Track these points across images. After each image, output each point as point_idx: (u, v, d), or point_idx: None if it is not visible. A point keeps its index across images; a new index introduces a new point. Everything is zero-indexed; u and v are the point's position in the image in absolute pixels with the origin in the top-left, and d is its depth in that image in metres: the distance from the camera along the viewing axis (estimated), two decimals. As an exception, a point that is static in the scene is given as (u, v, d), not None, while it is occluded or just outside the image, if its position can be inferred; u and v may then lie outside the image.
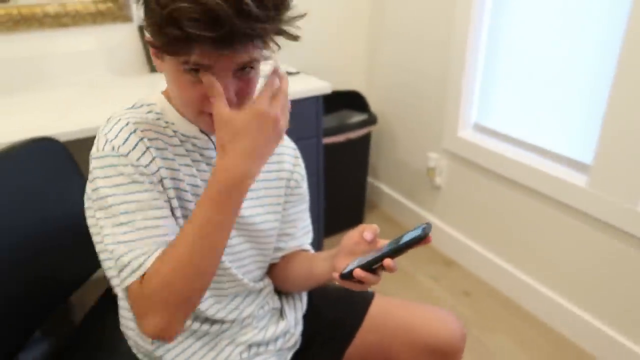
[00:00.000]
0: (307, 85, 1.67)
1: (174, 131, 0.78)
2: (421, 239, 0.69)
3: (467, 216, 2.07)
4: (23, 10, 1.60)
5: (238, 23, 0.61)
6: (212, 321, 0.88)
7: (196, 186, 0.79)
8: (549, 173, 1.66)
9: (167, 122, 0.78)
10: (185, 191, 0.78)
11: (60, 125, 1.30)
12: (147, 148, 0.73)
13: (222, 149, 0.67)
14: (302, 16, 0.67)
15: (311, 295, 1.05)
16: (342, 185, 2.24)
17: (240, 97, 0.71)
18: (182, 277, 0.67)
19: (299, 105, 1.63)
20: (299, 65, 2.02)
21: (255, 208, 0.87)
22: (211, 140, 0.80)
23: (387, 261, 0.71)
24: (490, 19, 1.80)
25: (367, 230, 0.74)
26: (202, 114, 0.72)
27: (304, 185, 0.97)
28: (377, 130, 2.43)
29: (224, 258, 0.84)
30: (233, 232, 0.85)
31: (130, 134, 0.73)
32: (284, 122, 0.70)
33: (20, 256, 0.92)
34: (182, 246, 0.67)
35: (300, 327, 1.01)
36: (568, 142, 1.64)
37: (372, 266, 0.70)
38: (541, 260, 1.78)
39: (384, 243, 0.74)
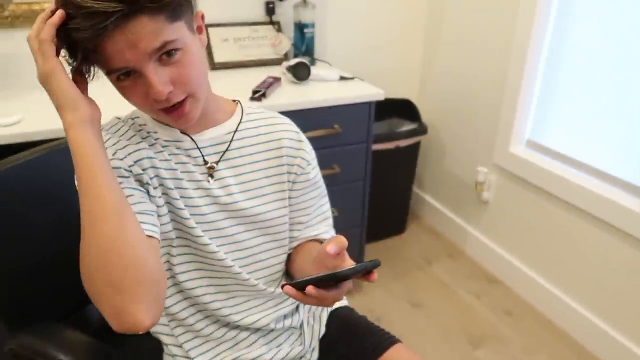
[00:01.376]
0: (360, 90, 1.68)
1: (156, 139, 0.80)
2: (367, 273, 0.66)
3: (513, 234, 2.02)
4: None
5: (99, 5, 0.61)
6: (227, 324, 0.89)
7: (183, 188, 0.80)
8: (602, 195, 1.60)
9: (149, 132, 0.81)
10: (171, 188, 0.80)
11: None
12: (131, 152, 0.78)
13: None
14: None
15: (330, 320, 1.00)
16: (387, 193, 2.24)
17: (182, 83, 0.70)
18: (92, 258, 0.65)
19: (351, 110, 1.65)
20: (353, 71, 2.04)
21: (256, 199, 0.86)
22: (194, 141, 0.82)
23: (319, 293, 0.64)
24: (553, 31, 1.76)
25: (331, 244, 0.66)
26: (157, 112, 0.73)
27: (312, 170, 0.91)
28: (426, 140, 2.42)
29: (225, 255, 0.84)
30: (241, 227, 0.85)
31: (117, 141, 0.78)
32: (39, 66, 0.68)
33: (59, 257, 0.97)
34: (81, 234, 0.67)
35: (316, 355, 0.97)
36: (624, 164, 1.59)
37: (317, 283, 0.63)
38: (589, 284, 1.72)
39: (348, 263, 0.68)
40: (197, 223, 0.81)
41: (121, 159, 0.76)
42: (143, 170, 0.77)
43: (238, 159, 0.85)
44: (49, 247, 0.95)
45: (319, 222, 0.94)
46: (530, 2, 1.74)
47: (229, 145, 0.84)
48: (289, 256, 0.94)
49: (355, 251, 1.90)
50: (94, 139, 0.67)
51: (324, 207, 0.95)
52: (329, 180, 1.66)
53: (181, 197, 0.80)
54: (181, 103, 0.72)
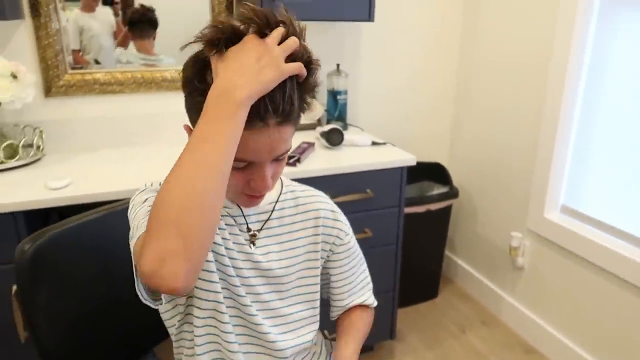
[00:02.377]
0: (392, 156, 1.72)
1: None
2: None
3: (550, 301, 1.96)
4: (145, 75, 1.81)
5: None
6: None
7: (229, 249, 0.83)
8: (639, 262, 1.56)
9: None
10: (223, 255, 0.82)
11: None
12: None
13: (217, 75, 0.68)
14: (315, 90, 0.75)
15: None
16: (418, 257, 2.22)
17: (273, 179, 0.78)
18: (179, 194, 0.62)
19: (383, 175, 1.68)
20: (385, 136, 2.09)
21: (291, 267, 0.90)
22: (240, 209, 0.86)
23: None
24: (584, 96, 1.78)
25: None
26: (241, 195, 0.79)
27: (350, 240, 0.98)
28: (458, 204, 2.41)
29: (263, 321, 0.86)
30: (275, 295, 0.88)
31: None
32: (280, 51, 0.68)
33: (111, 307, 1.00)
34: (176, 166, 0.65)
35: None
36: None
37: None
38: (629, 355, 1.64)
39: None
40: (241, 285, 0.84)
41: None
42: None
43: (277, 228, 0.89)
44: (99, 303, 0.99)
45: (362, 288, 1.01)
46: (560, 69, 1.78)
47: (270, 215, 0.88)
48: (337, 322, 0.99)
49: (387, 317, 1.87)
50: (246, 108, 0.67)
51: (364, 274, 1.02)
52: (361, 245, 1.67)
53: (229, 258, 0.83)
54: (263, 194, 0.80)
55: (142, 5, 1.77)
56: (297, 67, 0.70)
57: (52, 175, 1.40)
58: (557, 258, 1.90)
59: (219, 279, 0.83)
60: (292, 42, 0.70)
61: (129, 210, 0.81)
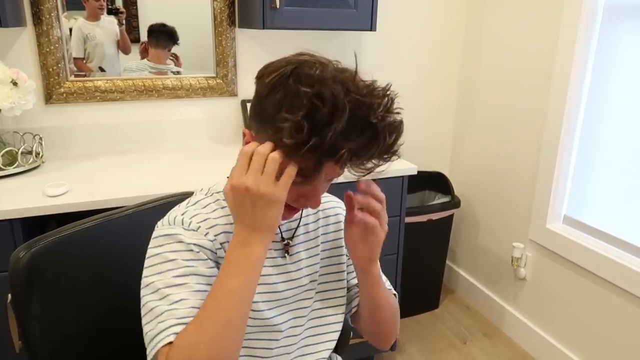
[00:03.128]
0: (393, 165, 1.68)
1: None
2: None
3: (554, 313, 1.94)
4: (146, 82, 1.81)
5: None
6: None
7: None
8: (648, 276, 1.54)
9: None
10: None
11: (164, 186, 1.42)
12: (214, 237, 0.78)
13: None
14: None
15: None
16: (419, 267, 2.20)
17: (323, 190, 0.79)
18: (204, 338, 0.66)
19: (384, 184, 1.66)
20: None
21: (318, 274, 0.90)
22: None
23: None
24: (587, 106, 1.78)
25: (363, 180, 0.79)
26: (286, 206, 0.77)
27: None
28: (460, 214, 2.40)
29: (289, 331, 0.86)
30: (306, 302, 0.88)
31: (201, 222, 0.78)
32: (262, 186, 0.68)
33: (108, 317, 0.99)
34: (200, 313, 0.69)
35: None
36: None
37: None
38: (639, 373, 1.61)
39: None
40: (268, 300, 0.84)
41: (211, 241, 0.77)
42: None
43: (303, 235, 0.89)
44: (95, 313, 0.97)
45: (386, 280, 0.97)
46: (563, 80, 1.77)
47: (299, 222, 0.89)
48: (360, 316, 0.96)
49: (387, 327, 1.85)
50: (264, 256, 0.72)
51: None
52: (361, 254, 1.66)
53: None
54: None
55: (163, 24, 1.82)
56: (289, 176, 0.70)
57: (50, 183, 1.40)
58: (559, 269, 1.88)
59: None
60: (257, 162, 0.69)
61: (148, 249, 0.78)
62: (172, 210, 0.83)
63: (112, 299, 1.00)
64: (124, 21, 1.77)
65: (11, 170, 1.48)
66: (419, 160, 2.35)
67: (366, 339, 0.98)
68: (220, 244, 0.78)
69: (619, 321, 1.66)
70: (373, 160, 0.74)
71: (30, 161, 1.55)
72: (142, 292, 0.75)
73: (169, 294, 0.71)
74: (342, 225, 0.92)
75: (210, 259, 0.76)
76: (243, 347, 0.83)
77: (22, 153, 1.52)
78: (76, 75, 1.75)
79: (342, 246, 0.93)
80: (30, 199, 1.32)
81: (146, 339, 0.72)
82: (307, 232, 0.90)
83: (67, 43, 1.70)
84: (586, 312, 1.79)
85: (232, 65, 1.90)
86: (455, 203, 2.19)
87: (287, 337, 0.87)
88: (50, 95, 1.71)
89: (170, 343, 0.67)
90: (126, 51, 1.81)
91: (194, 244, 0.75)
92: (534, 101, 1.94)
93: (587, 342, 1.80)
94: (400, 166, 1.70)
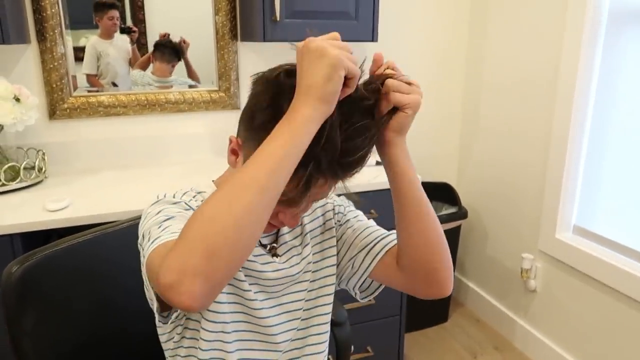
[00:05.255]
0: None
1: None
2: None
3: (565, 325, 1.89)
4: (149, 97, 1.82)
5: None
6: None
7: (249, 261, 0.80)
8: (662, 287, 1.49)
9: None
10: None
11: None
12: None
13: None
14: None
15: None
16: (427, 279, 2.17)
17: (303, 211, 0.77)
18: (214, 211, 0.58)
19: (385, 196, 1.64)
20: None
21: (311, 264, 0.87)
22: None
23: None
24: (594, 114, 1.74)
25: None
26: None
27: (351, 208, 0.91)
28: (468, 225, 2.36)
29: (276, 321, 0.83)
30: (298, 295, 0.85)
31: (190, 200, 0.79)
32: (336, 52, 0.62)
33: (104, 334, 0.98)
34: (223, 186, 0.61)
35: None
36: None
37: None
38: (656, 387, 1.56)
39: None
40: (259, 291, 0.81)
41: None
42: None
43: (289, 234, 0.87)
44: (89, 329, 0.96)
45: (388, 235, 0.87)
46: (569, 88, 1.74)
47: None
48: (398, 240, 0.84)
49: (395, 342, 1.81)
50: (312, 135, 0.63)
51: (380, 229, 0.90)
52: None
53: (244, 268, 0.79)
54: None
55: (168, 37, 1.84)
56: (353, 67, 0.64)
57: (52, 197, 1.40)
58: (570, 280, 1.84)
59: (228, 292, 0.79)
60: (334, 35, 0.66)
61: (140, 221, 0.77)
62: None
63: (106, 314, 0.98)
64: (135, 39, 1.80)
65: (14, 185, 1.49)
66: (425, 170, 2.33)
67: (410, 281, 0.81)
68: None
69: (632, 332, 1.61)
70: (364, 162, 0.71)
71: (32, 176, 1.56)
72: (139, 245, 0.75)
73: (165, 227, 0.69)
74: (329, 215, 0.89)
75: None
76: (236, 341, 0.81)
77: (24, 168, 1.53)
78: (89, 91, 1.77)
79: (333, 236, 0.88)
80: (30, 213, 1.32)
81: (142, 260, 0.71)
82: (292, 230, 0.87)
83: (70, 60, 1.72)
84: (599, 323, 1.73)
85: (235, 79, 1.90)
86: (462, 214, 2.15)
87: (280, 333, 0.84)
88: (54, 110, 1.72)
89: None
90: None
91: (184, 202, 0.76)
92: (540, 110, 1.91)
93: (600, 355, 1.74)
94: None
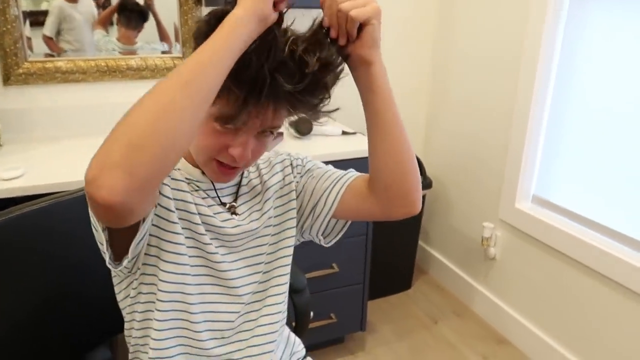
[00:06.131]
0: (362, 145, 1.69)
1: (181, 174, 0.80)
2: None
3: (522, 291, 1.96)
4: (110, 63, 1.76)
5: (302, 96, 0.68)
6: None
7: (209, 216, 0.80)
8: (611, 253, 1.56)
9: (175, 167, 0.80)
10: (198, 224, 0.79)
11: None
12: (179, 189, 0.77)
13: None
14: (334, 110, 0.74)
15: None
16: (391, 249, 2.21)
17: (253, 156, 0.75)
18: (139, 107, 0.58)
19: (352, 165, 1.64)
20: (357, 126, 2.06)
21: (270, 219, 0.88)
22: (212, 183, 0.82)
23: None
24: (555, 89, 1.78)
25: None
26: (212, 161, 0.75)
27: (307, 162, 0.92)
28: (433, 195, 2.40)
29: (239, 274, 0.84)
30: (260, 249, 0.86)
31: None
32: None
33: (57, 299, 0.97)
34: (157, 86, 0.60)
35: None
36: (633, 222, 1.55)
37: None
38: (600, 346, 1.65)
39: None
40: (220, 246, 0.82)
41: (174, 199, 0.77)
42: (182, 210, 0.78)
43: (248, 194, 0.87)
44: (44, 296, 0.95)
45: (345, 173, 0.90)
46: (532, 63, 1.77)
47: (239, 183, 0.87)
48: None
49: (358, 309, 1.86)
50: (246, 39, 0.63)
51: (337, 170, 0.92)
52: (329, 236, 1.66)
53: (204, 224, 0.80)
54: (236, 167, 0.77)
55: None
56: None
57: (6, 166, 1.36)
58: (528, 248, 1.90)
59: (185, 237, 0.79)
60: None
61: None
62: None
63: (61, 282, 0.98)
64: (101, 3, 1.73)
65: (-34, 153, 1.44)
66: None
67: (383, 204, 0.83)
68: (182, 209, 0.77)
69: (586, 299, 1.69)
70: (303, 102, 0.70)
71: (-14, 144, 1.51)
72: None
73: None
74: (288, 170, 0.90)
75: None
76: (199, 294, 0.81)
77: (-23, 136, 1.48)
78: (46, 55, 1.70)
79: (292, 190, 0.89)
80: (-17, 182, 1.28)
81: None
82: (253, 188, 0.88)
83: (26, 22, 1.65)
84: (554, 290, 1.81)
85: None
86: (426, 184, 2.19)
87: (242, 286, 0.85)
88: (8, 76, 1.65)
89: None
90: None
91: None
92: (504, 83, 1.93)
93: (557, 321, 1.83)
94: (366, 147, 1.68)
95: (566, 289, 1.76)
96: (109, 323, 1.01)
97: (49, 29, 1.69)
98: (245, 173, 0.88)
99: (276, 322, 0.89)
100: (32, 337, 0.95)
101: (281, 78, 0.65)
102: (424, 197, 2.23)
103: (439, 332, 2.08)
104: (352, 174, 0.89)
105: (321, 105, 0.72)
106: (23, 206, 0.94)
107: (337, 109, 0.74)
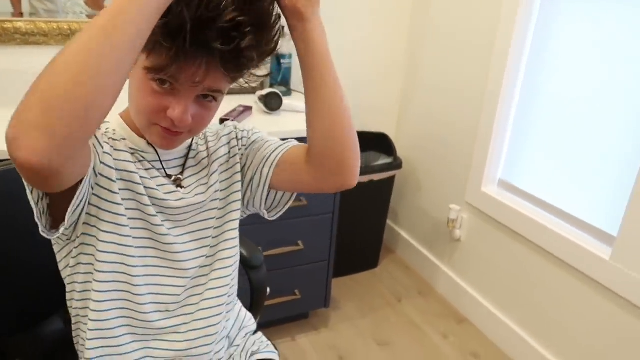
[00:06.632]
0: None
1: (125, 145, 0.78)
2: None
3: (484, 273, 2.00)
4: (73, 26, 1.69)
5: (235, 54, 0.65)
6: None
7: (152, 188, 0.79)
8: (572, 240, 1.59)
9: (120, 138, 0.78)
10: (142, 194, 0.77)
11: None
12: (108, 153, 0.75)
13: None
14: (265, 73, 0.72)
15: None
16: (359, 226, 2.22)
17: (195, 123, 0.72)
18: (56, 61, 0.54)
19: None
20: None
21: (218, 193, 0.87)
22: (157, 154, 0.81)
23: None
24: (526, 75, 1.79)
25: None
26: (153, 126, 0.73)
27: (253, 134, 0.90)
28: (402, 175, 2.41)
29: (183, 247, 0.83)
30: (207, 223, 0.85)
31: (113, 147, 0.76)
32: None
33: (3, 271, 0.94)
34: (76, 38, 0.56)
35: None
36: (595, 210, 1.58)
37: None
38: (556, 329, 1.70)
39: None
40: (166, 220, 0.80)
41: (115, 169, 0.74)
42: (123, 180, 0.76)
43: (194, 167, 0.86)
44: None
45: (286, 141, 0.89)
46: (503, 50, 1.77)
47: (187, 154, 0.85)
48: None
49: (322, 286, 1.87)
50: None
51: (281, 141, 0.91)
52: (295, 213, 1.66)
53: (150, 197, 0.78)
54: (178, 132, 0.73)
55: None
56: None
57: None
58: (492, 231, 1.93)
59: (127, 209, 0.77)
60: None
61: None
62: None
63: (7, 247, 0.95)
64: None
65: None
66: (365, 121, 2.34)
67: (317, 173, 0.81)
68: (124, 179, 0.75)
69: (547, 284, 1.73)
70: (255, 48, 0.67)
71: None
72: None
73: None
74: (234, 142, 0.88)
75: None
76: (142, 267, 0.80)
77: None
78: (13, 15, 1.62)
79: (237, 163, 0.88)
80: None
81: None
82: (200, 161, 0.86)
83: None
84: (516, 274, 1.85)
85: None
86: (396, 165, 2.19)
87: (188, 260, 0.84)
88: (-37, 35, 1.57)
89: None
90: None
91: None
92: (476, 67, 1.93)
93: (515, 304, 1.87)
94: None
95: (527, 273, 1.80)
96: (62, 293, 0.98)
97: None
98: (194, 145, 0.86)
99: (222, 296, 0.88)
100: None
101: (208, 33, 0.63)
102: (393, 177, 2.24)
103: (402, 310, 2.12)
104: (291, 143, 0.87)
105: (253, 64, 0.70)
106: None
107: (269, 74, 0.73)
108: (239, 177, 0.88)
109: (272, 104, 1.69)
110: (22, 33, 1.64)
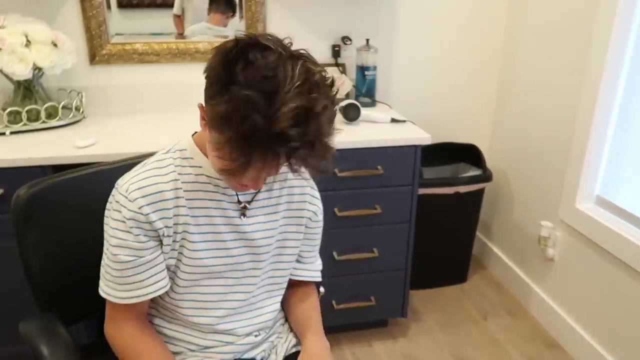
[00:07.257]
0: (407, 133, 1.69)
1: (198, 174, 0.88)
2: None
3: (579, 298, 1.85)
4: (180, 46, 1.92)
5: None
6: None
7: (214, 224, 0.90)
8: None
9: (193, 166, 0.88)
10: (193, 233, 0.89)
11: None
12: (149, 211, 0.84)
13: None
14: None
15: None
16: (444, 239, 2.18)
17: (269, 176, 0.83)
18: None
19: (396, 153, 1.67)
20: (419, 114, 2.06)
21: (277, 235, 0.98)
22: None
23: None
24: (627, 81, 1.64)
25: None
26: (229, 179, 0.83)
27: (322, 220, 1.04)
28: (494, 187, 2.33)
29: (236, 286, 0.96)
30: (257, 262, 0.96)
31: (144, 188, 0.85)
32: None
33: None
34: None
35: None
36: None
37: None
38: (656, 365, 1.52)
39: None
40: (217, 257, 0.92)
41: (145, 214, 0.84)
42: (163, 220, 0.86)
43: (265, 200, 0.95)
44: (77, 255, 1.09)
45: (316, 263, 1.07)
46: (602, 47, 1.64)
47: (260, 189, 0.93)
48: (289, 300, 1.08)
49: (399, 295, 1.87)
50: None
51: (317, 249, 1.07)
52: (369, 220, 1.70)
53: (210, 232, 0.90)
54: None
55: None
56: None
57: (82, 135, 1.55)
58: (588, 252, 1.79)
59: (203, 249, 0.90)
60: None
61: (107, 204, 0.91)
62: (134, 168, 0.91)
63: (93, 245, 1.10)
64: None
65: (53, 123, 1.66)
66: (456, 130, 2.30)
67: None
68: (154, 212, 0.84)
69: None
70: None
71: (71, 116, 1.73)
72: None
73: (107, 255, 0.89)
74: (306, 197, 0.98)
75: (142, 230, 0.84)
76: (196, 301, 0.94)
77: (63, 107, 1.69)
78: (177, 37, 1.91)
79: (303, 217, 0.99)
80: (61, 148, 1.48)
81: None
82: (270, 197, 0.95)
83: (108, 7, 1.84)
84: (615, 302, 1.69)
85: (262, 30, 1.95)
86: (484, 177, 2.12)
87: (240, 300, 0.97)
88: (94, 56, 1.86)
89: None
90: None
91: (129, 219, 0.84)
92: (572, 72, 1.81)
93: (613, 335, 1.71)
94: (413, 135, 1.68)
95: (628, 303, 1.63)
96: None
97: (176, 7, 1.88)
98: (269, 179, 0.95)
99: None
100: (79, 283, 1.08)
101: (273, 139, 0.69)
102: (482, 189, 2.17)
103: (486, 327, 2.03)
104: (308, 274, 1.06)
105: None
106: (73, 171, 1.08)
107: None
108: (302, 229, 1.01)
109: (350, 114, 1.75)
110: (139, 53, 1.90)
